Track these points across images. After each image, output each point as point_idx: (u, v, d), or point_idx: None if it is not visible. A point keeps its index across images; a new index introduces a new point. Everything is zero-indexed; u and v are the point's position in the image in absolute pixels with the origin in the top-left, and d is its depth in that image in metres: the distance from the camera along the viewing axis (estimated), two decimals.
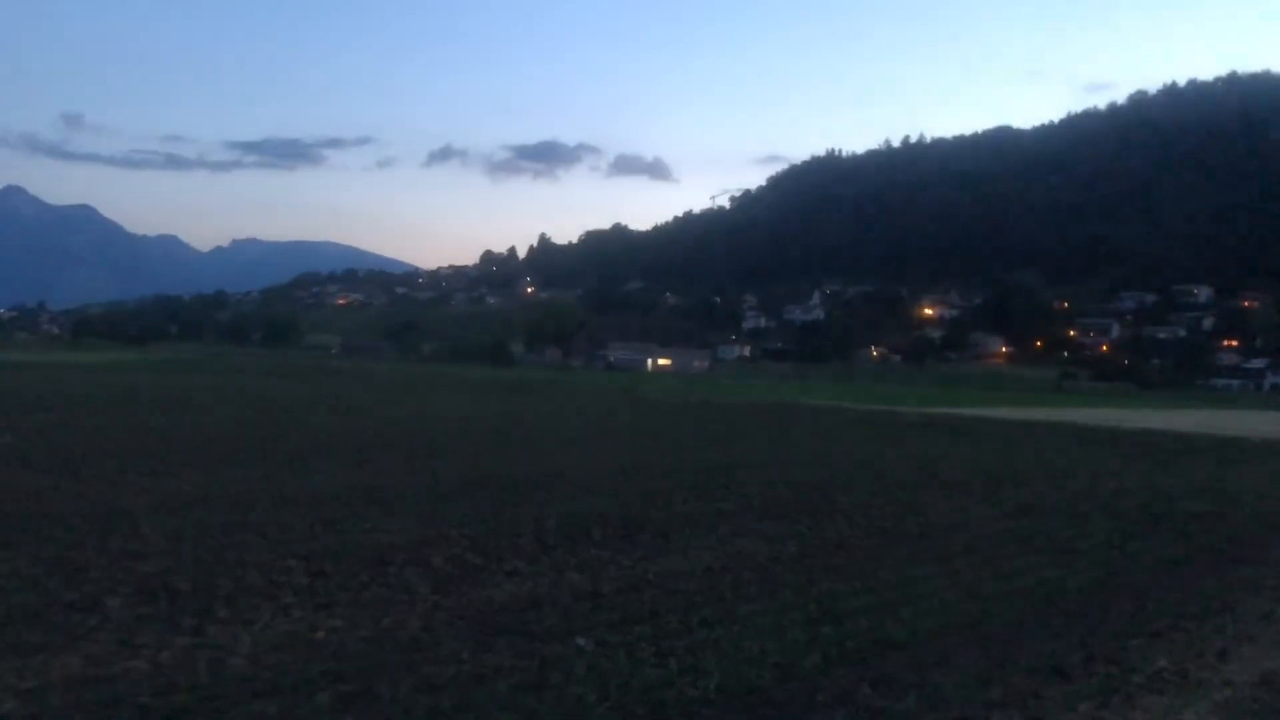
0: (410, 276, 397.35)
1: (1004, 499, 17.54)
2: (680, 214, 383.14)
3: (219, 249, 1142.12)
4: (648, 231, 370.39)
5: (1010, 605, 9.53)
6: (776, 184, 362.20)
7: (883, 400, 61.71)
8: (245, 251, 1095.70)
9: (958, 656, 7.86)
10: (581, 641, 8.07)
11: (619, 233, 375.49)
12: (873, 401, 59.41)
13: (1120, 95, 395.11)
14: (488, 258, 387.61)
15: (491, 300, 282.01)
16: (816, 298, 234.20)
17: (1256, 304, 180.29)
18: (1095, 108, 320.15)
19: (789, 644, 8.11)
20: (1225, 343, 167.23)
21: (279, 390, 44.61)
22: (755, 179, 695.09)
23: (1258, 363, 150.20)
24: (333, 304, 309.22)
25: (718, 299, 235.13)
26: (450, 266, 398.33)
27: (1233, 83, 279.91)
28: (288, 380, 57.56)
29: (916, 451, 26.47)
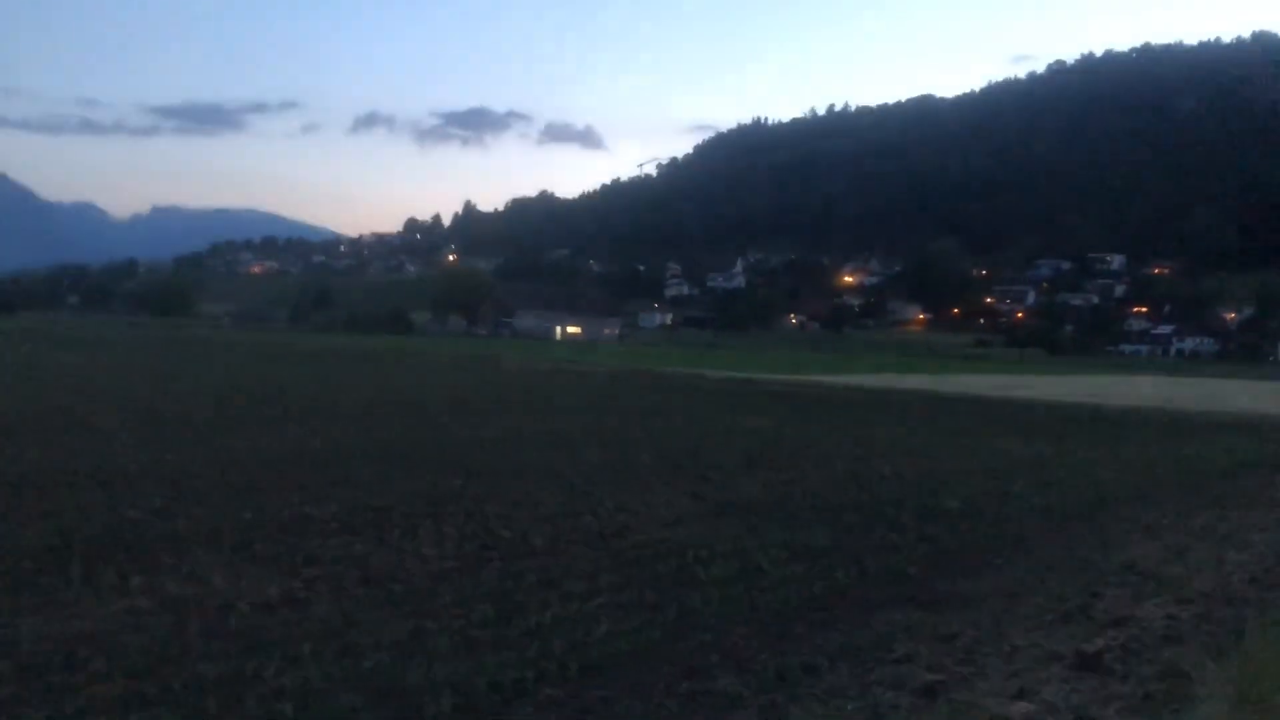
0: (331, 244, 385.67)
1: (729, 489, 13.90)
2: (608, 182, 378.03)
3: (138, 216, 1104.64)
4: (574, 199, 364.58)
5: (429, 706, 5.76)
6: (703, 152, 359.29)
7: (766, 368, 58.39)
8: (166, 219, 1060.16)
9: None
10: None
11: (545, 200, 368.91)
12: (755, 369, 55.99)
13: (1040, 66, 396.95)
14: (412, 225, 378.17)
15: (410, 268, 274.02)
16: (739, 265, 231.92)
17: (1166, 271, 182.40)
18: (1015, 78, 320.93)
19: None
20: (1136, 309, 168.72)
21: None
22: (685, 147, 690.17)
23: (1165, 329, 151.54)
24: (246, 272, 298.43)
25: (641, 267, 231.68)
26: (373, 234, 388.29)
27: (1146, 53, 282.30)
28: (74, 351, 52.14)
29: (712, 429, 22.90)
